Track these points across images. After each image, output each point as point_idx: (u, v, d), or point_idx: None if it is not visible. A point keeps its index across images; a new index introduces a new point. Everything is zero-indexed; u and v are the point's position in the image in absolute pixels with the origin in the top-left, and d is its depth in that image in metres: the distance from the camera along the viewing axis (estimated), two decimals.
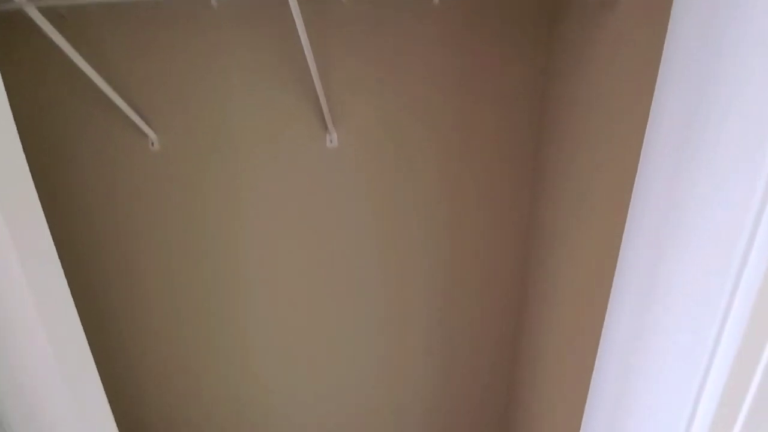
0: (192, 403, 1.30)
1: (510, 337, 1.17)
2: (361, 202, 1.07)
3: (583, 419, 0.64)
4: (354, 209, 1.08)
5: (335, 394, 1.26)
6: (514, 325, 1.15)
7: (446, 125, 1.00)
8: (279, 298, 1.16)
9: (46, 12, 0.78)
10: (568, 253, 0.81)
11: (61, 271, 0.47)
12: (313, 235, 1.10)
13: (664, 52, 0.44)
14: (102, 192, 1.09)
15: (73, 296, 0.48)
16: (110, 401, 0.52)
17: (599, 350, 0.60)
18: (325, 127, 1.02)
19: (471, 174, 1.03)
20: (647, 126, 0.46)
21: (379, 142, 1.02)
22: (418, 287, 1.13)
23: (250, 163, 1.05)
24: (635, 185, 0.49)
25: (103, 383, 0.51)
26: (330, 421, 1.29)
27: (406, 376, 1.22)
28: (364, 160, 1.04)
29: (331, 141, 1.03)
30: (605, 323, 0.56)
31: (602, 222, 0.68)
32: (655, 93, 0.45)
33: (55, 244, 0.46)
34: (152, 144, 1.05)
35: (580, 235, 0.76)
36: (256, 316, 1.18)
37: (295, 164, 1.05)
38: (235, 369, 1.24)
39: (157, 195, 1.08)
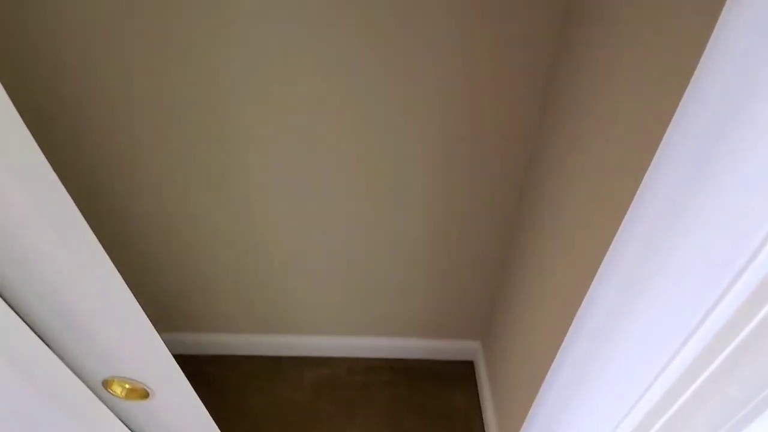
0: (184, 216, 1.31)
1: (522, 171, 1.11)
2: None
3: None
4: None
5: (339, 211, 1.25)
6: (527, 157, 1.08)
7: None
8: (273, 107, 1.03)
9: None
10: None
11: None
12: (306, 37, 0.92)
13: None
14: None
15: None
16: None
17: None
18: None
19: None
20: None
21: None
22: (424, 111, 1.02)
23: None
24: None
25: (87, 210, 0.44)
26: (335, 237, 1.33)
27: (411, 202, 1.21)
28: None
29: None
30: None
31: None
32: None
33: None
34: None
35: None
36: (248, 132, 1.07)
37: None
38: (233, 183, 1.21)
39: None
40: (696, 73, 0.38)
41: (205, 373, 1.62)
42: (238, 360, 1.67)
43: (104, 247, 0.46)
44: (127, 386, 0.54)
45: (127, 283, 0.49)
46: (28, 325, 0.46)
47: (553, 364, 0.81)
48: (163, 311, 1.55)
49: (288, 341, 1.65)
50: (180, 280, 1.44)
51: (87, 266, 0.45)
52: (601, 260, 0.60)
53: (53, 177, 0.41)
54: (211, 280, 1.44)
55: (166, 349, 0.57)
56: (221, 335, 1.64)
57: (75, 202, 0.44)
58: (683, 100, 0.40)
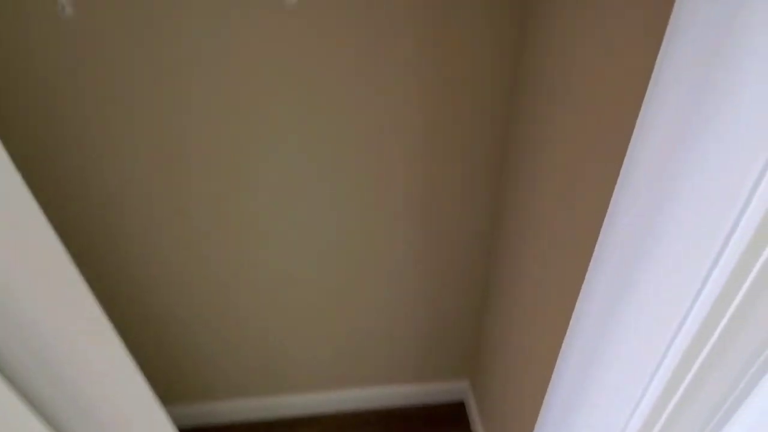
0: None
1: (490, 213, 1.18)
2: (328, 73, 0.94)
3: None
4: (321, 82, 0.95)
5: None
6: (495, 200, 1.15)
7: None
8: (243, 184, 1.08)
9: None
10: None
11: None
12: (272, 114, 0.98)
13: None
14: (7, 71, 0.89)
15: None
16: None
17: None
18: None
19: (452, 37, 0.91)
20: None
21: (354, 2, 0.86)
22: (396, 163, 1.08)
23: (187, 26, 0.87)
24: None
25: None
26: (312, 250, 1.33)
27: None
28: (330, 21, 0.88)
29: None
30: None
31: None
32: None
33: None
34: (63, 8, 0.83)
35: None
36: (219, 202, 1.11)
37: (243, 30, 0.88)
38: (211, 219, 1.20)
39: (76, 72, 0.90)
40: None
41: None
42: (228, 428, 1.59)
43: None
44: None
45: None
46: (33, 410, 0.45)
47: (546, 397, 0.83)
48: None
49: (276, 402, 1.58)
50: (162, 352, 1.38)
51: (93, 341, 0.45)
52: (580, 289, 0.65)
53: (58, 246, 0.42)
54: (194, 350, 1.39)
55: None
56: (207, 404, 1.56)
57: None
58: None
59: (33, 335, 0.39)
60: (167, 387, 1.49)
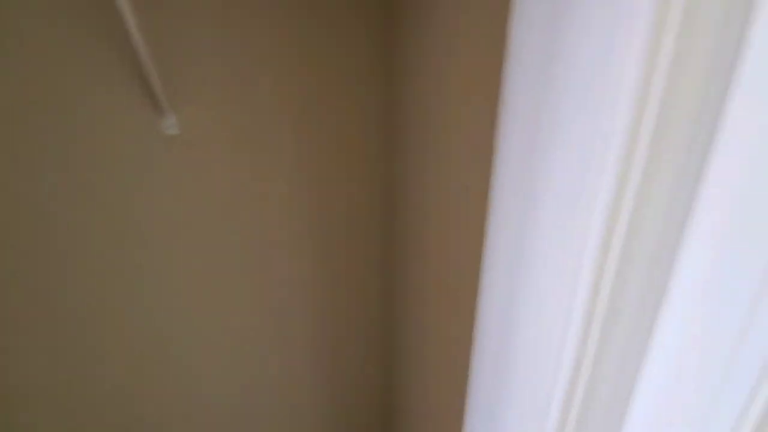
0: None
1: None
2: (214, 196, 0.96)
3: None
4: (207, 206, 0.96)
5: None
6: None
7: (303, 104, 0.95)
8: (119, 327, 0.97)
9: None
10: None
11: None
12: (157, 242, 0.95)
13: None
14: None
15: None
16: None
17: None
18: (161, 110, 0.86)
19: (333, 157, 1.02)
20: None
21: (234, 121, 0.92)
22: (286, 284, 1.09)
23: (58, 161, 0.83)
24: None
25: None
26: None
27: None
28: (216, 145, 0.93)
29: (169, 126, 0.89)
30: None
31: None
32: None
33: None
34: None
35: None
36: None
37: (119, 164, 0.87)
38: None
39: None
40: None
41: None
42: None
43: None
44: None
45: None
46: None
47: None
48: None
49: None
50: None
51: None
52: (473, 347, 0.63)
53: None
54: None
55: None
56: None
57: None
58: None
59: None
60: None
